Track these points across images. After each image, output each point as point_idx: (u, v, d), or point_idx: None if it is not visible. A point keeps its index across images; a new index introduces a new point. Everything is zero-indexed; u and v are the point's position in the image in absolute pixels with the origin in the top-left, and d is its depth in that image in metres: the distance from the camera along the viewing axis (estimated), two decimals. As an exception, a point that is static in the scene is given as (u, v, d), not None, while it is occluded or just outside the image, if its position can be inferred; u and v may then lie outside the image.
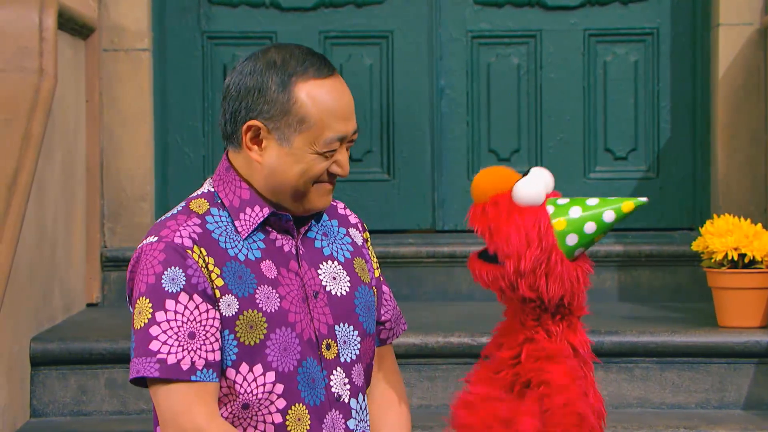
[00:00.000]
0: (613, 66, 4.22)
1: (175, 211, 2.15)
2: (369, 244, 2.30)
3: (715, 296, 3.37)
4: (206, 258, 2.08)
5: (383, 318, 2.27)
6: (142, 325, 2.05)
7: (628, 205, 2.08)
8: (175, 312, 2.04)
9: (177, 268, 2.05)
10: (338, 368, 2.13)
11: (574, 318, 2.15)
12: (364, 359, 2.19)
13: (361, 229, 2.28)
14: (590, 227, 2.07)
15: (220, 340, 2.08)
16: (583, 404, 2.09)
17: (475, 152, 4.21)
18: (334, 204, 2.28)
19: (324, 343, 2.13)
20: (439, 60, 4.21)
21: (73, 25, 3.70)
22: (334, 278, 2.18)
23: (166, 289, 2.05)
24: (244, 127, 2.13)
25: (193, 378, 2.04)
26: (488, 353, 2.15)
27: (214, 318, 2.07)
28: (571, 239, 2.06)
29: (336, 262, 2.19)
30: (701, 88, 4.17)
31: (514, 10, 4.22)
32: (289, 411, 2.09)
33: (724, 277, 3.31)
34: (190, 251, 2.07)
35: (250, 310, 2.09)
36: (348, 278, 2.19)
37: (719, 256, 3.29)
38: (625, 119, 4.22)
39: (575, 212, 2.08)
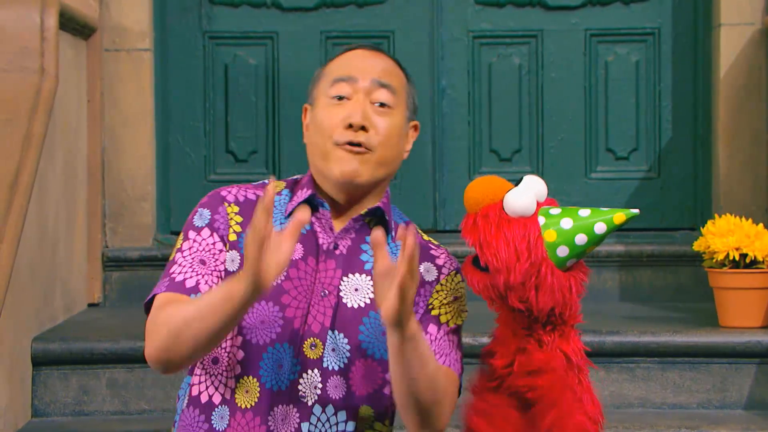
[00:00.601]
0: (615, 66, 4.22)
1: (256, 183, 2.27)
2: (446, 288, 2.23)
3: (716, 296, 3.37)
4: (236, 215, 2.17)
5: None
6: (172, 257, 2.16)
7: (619, 216, 2.06)
8: (194, 240, 2.15)
9: (208, 210, 2.18)
10: (315, 370, 2.12)
11: (567, 327, 2.13)
12: (354, 378, 2.15)
13: (444, 272, 2.23)
14: (581, 239, 2.06)
15: (223, 279, 2.13)
16: (578, 413, 2.09)
17: (477, 152, 4.21)
18: (429, 246, 2.25)
19: (309, 340, 2.13)
20: (440, 60, 4.21)
21: (74, 25, 3.71)
22: (356, 290, 2.16)
23: (195, 223, 2.17)
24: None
25: (192, 296, 2.09)
26: (484, 361, 2.16)
27: (224, 261, 2.15)
28: (562, 251, 2.05)
29: (369, 278, 2.17)
30: (702, 88, 4.17)
31: (516, 10, 4.22)
32: (242, 380, 2.11)
33: (725, 277, 3.31)
34: (226, 204, 2.18)
35: None
36: (371, 296, 2.16)
37: (720, 256, 3.29)
38: (627, 119, 4.22)
39: (566, 224, 2.06)
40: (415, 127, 2.26)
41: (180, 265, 2.13)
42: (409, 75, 2.26)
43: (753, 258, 3.28)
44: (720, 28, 4.02)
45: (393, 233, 2.22)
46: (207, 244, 2.15)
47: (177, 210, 4.15)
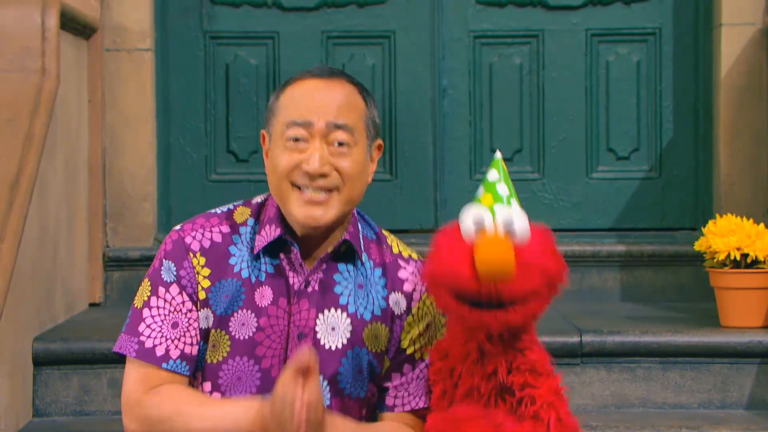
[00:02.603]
0: (616, 66, 4.22)
1: (224, 208, 2.20)
2: (417, 318, 2.20)
3: (717, 296, 3.37)
4: (202, 269, 2.12)
5: (387, 384, 2.21)
6: (139, 305, 2.13)
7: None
8: (165, 300, 2.11)
9: (172, 263, 2.13)
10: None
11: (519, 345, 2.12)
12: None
13: (415, 298, 2.21)
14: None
15: (198, 337, 2.12)
16: (571, 418, 2.10)
17: (478, 152, 4.21)
18: (397, 264, 2.22)
19: None
20: (441, 60, 4.21)
21: (75, 25, 3.71)
22: (333, 329, 2.14)
23: (163, 277, 2.12)
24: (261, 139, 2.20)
25: (164, 365, 2.09)
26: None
27: (196, 319, 2.12)
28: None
29: (346, 314, 2.15)
30: (703, 88, 4.17)
31: (516, 10, 4.22)
32: None
33: (726, 277, 3.31)
34: (191, 254, 2.13)
35: (219, 330, 2.12)
36: (348, 335, 2.15)
37: (722, 256, 3.29)
38: (628, 119, 4.22)
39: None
40: (379, 147, 2.22)
41: (149, 326, 2.11)
42: (368, 95, 2.19)
43: (754, 258, 3.28)
44: (721, 28, 4.02)
45: (361, 258, 2.19)
46: (177, 304, 2.11)
47: (178, 210, 4.15)
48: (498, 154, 2.12)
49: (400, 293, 2.20)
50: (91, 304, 3.92)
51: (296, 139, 2.10)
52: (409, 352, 2.21)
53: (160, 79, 4.15)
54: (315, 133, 2.10)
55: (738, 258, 3.28)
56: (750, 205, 3.98)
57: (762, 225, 3.32)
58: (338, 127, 2.10)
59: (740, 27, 4.01)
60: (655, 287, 4.02)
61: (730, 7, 4.01)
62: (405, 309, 2.20)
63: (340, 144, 2.11)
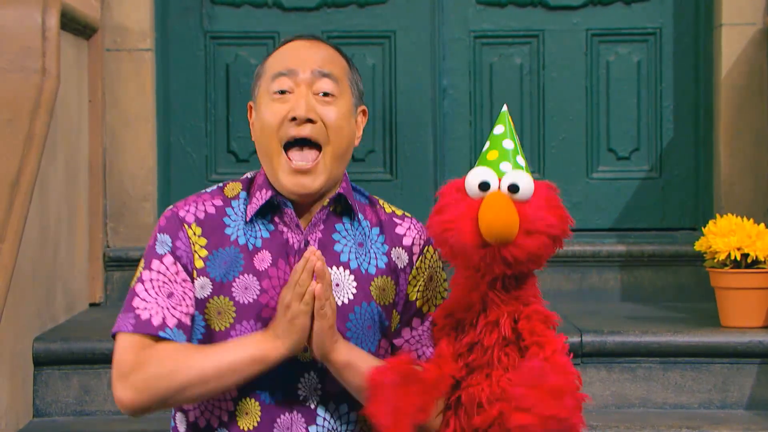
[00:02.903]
0: (616, 66, 4.22)
1: (214, 187, 2.22)
2: (421, 272, 2.21)
3: (717, 296, 3.37)
4: (199, 238, 2.13)
5: (398, 341, 2.22)
6: (133, 284, 2.13)
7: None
8: (158, 271, 2.11)
9: (168, 235, 2.13)
10: (311, 372, 2.11)
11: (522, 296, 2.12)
12: None
13: (415, 252, 2.22)
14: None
15: (193, 308, 2.11)
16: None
17: (478, 152, 4.21)
18: (393, 222, 2.23)
19: None
20: (441, 60, 4.21)
21: (75, 25, 3.71)
22: (337, 285, 2.14)
23: (157, 250, 2.13)
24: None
25: (161, 334, 2.07)
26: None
27: (191, 289, 2.12)
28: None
29: (349, 271, 2.16)
30: (704, 88, 4.17)
31: (517, 10, 4.22)
32: (240, 402, 2.11)
33: (726, 277, 3.31)
34: (186, 226, 2.13)
35: (221, 297, 2.11)
36: (354, 291, 2.15)
37: (722, 256, 3.29)
38: (628, 119, 4.22)
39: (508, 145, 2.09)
40: (364, 112, 2.24)
41: (144, 299, 2.09)
42: (351, 61, 2.23)
43: (754, 258, 3.28)
44: (721, 28, 4.02)
45: (358, 216, 2.20)
46: (172, 274, 2.11)
47: (178, 210, 4.15)
48: (505, 107, 2.13)
49: (400, 248, 2.22)
50: (92, 304, 3.92)
51: (282, 92, 2.14)
52: (418, 305, 2.22)
53: (161, 79, 4.15)
54: (300, 82, 2.13)
55: (738, 258, 3.28)
56: (750, 205, 3.98)
57: (762, 225, 3.32)
58: (323, 75, 2.14)
59: (740, 27, 4.02)
60: (655, 287, 4.03)
61: (731, 7, 4.02)
62: (407, 263, 2.21)
63: (325, 94, 2.13)
